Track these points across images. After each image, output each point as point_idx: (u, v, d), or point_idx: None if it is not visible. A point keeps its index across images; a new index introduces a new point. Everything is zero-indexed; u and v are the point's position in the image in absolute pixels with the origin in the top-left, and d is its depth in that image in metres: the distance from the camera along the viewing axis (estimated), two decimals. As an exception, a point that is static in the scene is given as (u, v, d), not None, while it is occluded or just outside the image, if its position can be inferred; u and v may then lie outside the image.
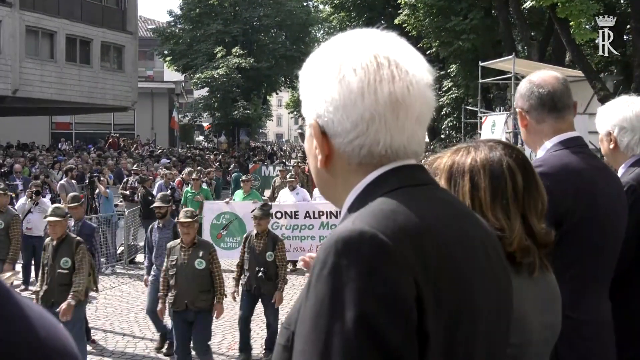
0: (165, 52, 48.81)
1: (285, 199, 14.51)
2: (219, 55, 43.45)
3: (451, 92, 32.40)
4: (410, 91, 1.25)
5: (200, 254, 7.65)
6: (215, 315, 7.77)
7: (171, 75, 55.03)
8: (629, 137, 3.16)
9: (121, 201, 17.19)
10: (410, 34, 28.10)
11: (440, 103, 33.15)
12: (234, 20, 47.96)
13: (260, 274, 8.46)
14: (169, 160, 28.71)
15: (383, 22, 34.50)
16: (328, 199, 1.41)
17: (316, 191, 14.82)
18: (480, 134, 20.87)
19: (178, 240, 7.86)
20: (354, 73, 1.24)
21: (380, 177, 1.26)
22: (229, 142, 47.01)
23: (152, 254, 9.40)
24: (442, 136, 34.94)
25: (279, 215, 13.73)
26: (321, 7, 48.75)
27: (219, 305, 7.71)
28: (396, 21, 28.78)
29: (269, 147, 62.08)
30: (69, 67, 32.52)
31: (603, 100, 17.60)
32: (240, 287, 8.76)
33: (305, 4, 52.67)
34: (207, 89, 45.31)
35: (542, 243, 1.88)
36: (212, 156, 35.34)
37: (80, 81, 32.84)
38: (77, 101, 33.15)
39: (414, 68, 1.27)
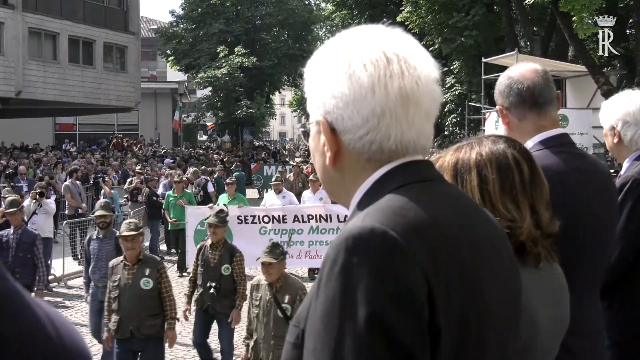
0: (168, 52, 48.84)
1: (271, 202, 13.74)
2: (221, 54, 43.46)
3: (454, 88, 32.36)
4: (419, 86, 1.25)
5: (147, 272, 6.62)
6: (167, 343, 6.81)
7: (174, 75, 55.06)
8: (632, 131, 3.14)
9: (126, 201, 17.24)
10: (412, 32, 28.09)
11: (444, 100, 33.05)
12: (236, 19, 47.99)
13: (212, 290, 7.56)
14: (172, 160, 28.74)
15: (385, 20, 34.43)
16: (334, 197, 1.40)
17: (305, 194, 14.40)
18: (483, 130, 20.84)
19: (121, 258, 6.82)
20: (364, 68, 1.24)
21: (388, 174, 1.26)
22: (232, 142, 47.06)
23: (90, 268, 8.36)
24: (446, 132, 34.88)
25: (266, 219, 12.97)
26: (323, 5, 48.75)
27: (170, 332, 6.73)
28: (398, 18, 28.72)
29: (272, 146, 62.04)
30: (72, 68, 32.58)
31: (606, 95, 17.56)
32: (192, 305, 7.90)
33: (307, 2, 52.67)
34: (210, 88, 45.34)
35: (547, 233, 1.89)
36: (215, 156, 35.37)
37: (83, 82, 32.89)
38: (80, 102, 33.21)
39: (421, 63, 1.27)
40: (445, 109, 33.22)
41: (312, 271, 13.29)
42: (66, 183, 17.38)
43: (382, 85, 1.23)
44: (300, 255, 13.01)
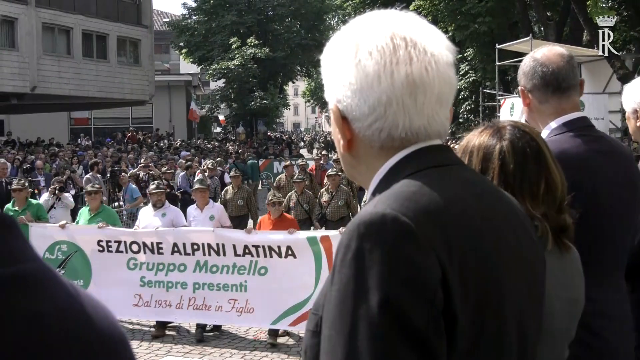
0: (181, 44, 48.96)
1: (147, 222, 9.31)
2: (234, 46, 43.51)
3: (468, 75, 32.24)
4: (429, 72, 1.23)
5: None
6: None
7: (187, 67, 55.17)
8: None
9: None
10: (425, 19, 27.98)
11: (458, 87, 32.91)
12: (248, 10, 48.01)
13: None
14: (188, 153, 28.83)
15: (398, 7, 34.28)
16: (356, 181, 1.41)
17: (190, 211, 9.98)
18: (498, 116, 20.74)
19: None
20: (370, 56, 1.23)
21: (403, 160, 1.26)
22: (246, 133, 47.11)
23: None
24: (460, 120, 34.76)
25: (135, 247, 8.90)
26: (335, -6, 48.61)
27: None
28: (411, 6, 28.62)
29: (286, 136, 61.78)
30: (86, 63, 32.71)
31: (622, 79, 17.43)
32: None
33: (319, -9, 52.58)
34: (223, 80, 45.40)
35: (555, 227, 1.90)
36: (230, 147, 35.43)
37: (97, 76, 33.02)
38: (95, 96, 33.33)
39: (433, 47, 1.26)
40: (460, 96, 33.11)
41: (200, 328, 8.83)
42: (87, 176, 17.51)
43: (388, 73, 1.22)
44: (181, 305, 8.78)
